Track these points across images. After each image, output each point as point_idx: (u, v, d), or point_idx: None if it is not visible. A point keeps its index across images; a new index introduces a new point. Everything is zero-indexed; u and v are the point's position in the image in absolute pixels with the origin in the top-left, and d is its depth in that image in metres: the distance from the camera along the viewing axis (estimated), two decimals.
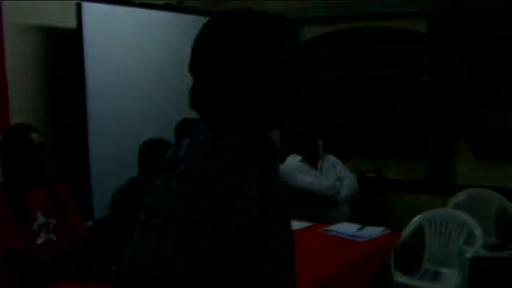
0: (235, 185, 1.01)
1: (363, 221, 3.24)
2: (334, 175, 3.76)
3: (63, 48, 3.71)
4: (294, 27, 1.11)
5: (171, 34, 3.98)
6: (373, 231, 3.10)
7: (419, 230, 3.53)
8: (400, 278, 3.23)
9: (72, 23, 3.52)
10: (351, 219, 3.47)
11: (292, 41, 1.11)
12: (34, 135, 2.41)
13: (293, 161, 3.76)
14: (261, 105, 1.04)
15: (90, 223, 3.24)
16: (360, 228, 3.13)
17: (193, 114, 1.13)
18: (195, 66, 1.07)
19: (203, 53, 1.05)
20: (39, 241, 2.35)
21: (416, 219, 3.53)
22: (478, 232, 3.29)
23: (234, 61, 1.01)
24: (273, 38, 1.03)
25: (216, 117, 1.06)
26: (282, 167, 3.63)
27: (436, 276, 3.32)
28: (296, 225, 3.19)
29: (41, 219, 2.38)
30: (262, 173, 1.09)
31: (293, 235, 1.19)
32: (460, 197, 3.95)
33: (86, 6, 3.48)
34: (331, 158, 3.86)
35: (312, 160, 3.77)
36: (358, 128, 5.03)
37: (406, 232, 3.44)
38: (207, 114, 1.08)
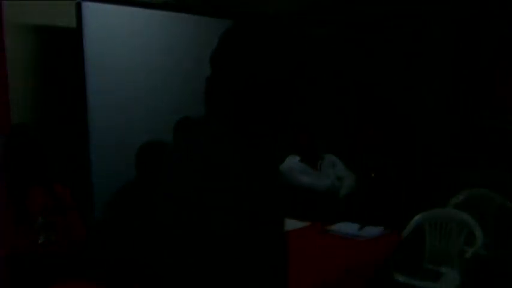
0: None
1: (363, 220, 3.24)
2: (334, 174, 3.76)
3: (63, 48, 3.71)
4: (308, 31, 1.14)
5: (171, 34, 3.98)
6: (373, 231, 3.11)
7: (419, 230, 3.53)
8: (400, 278, 3.23)
9: (72, 23, 3.52)
10: (351, 219, 3.47)
11: (310, 47, 1.13)
12: (34, 135, 2.41)
13: (292, 161, 3.76)
14: (274, 108, 1.06)
15: (91, 223, 3.24)
16: (360, 228, 3.14)
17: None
18: (218, 60, 1.08)
19: (230, 51, 1.07)
20: (40, 241, 2.36)
21: (416, 219, 3.53)
22: (478, 232, 3.29)
23: (257, 63, 1.03)
24: (297, 44, 1.06)
25: (225, 116, 1.06)
26: (282, 167, 3.64)
27: (436, 276, 3.31)
28: (296, 224, 3.20)
29: (41, 219, 2.38)
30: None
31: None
32: (460, 197, 3.95)
33: (86, 6, 3.47)
34: (331, 158, 3.86)
35: (311, 160, 3.78)
36: (358, 128, 5.03)
37: (406, 232, 3.44)
38: (217, 110, 1.08)
